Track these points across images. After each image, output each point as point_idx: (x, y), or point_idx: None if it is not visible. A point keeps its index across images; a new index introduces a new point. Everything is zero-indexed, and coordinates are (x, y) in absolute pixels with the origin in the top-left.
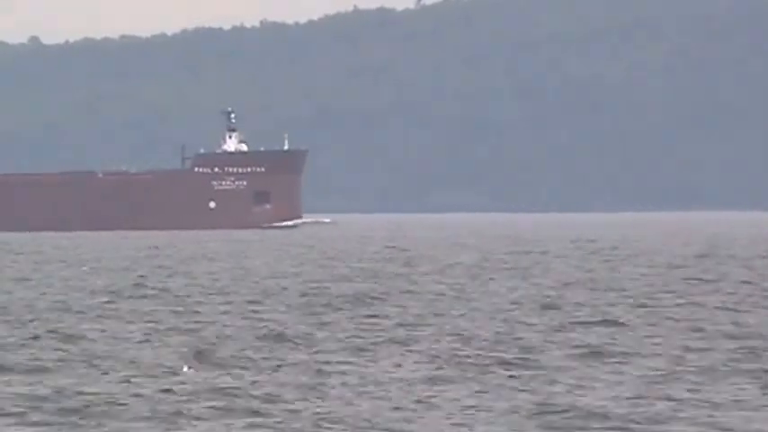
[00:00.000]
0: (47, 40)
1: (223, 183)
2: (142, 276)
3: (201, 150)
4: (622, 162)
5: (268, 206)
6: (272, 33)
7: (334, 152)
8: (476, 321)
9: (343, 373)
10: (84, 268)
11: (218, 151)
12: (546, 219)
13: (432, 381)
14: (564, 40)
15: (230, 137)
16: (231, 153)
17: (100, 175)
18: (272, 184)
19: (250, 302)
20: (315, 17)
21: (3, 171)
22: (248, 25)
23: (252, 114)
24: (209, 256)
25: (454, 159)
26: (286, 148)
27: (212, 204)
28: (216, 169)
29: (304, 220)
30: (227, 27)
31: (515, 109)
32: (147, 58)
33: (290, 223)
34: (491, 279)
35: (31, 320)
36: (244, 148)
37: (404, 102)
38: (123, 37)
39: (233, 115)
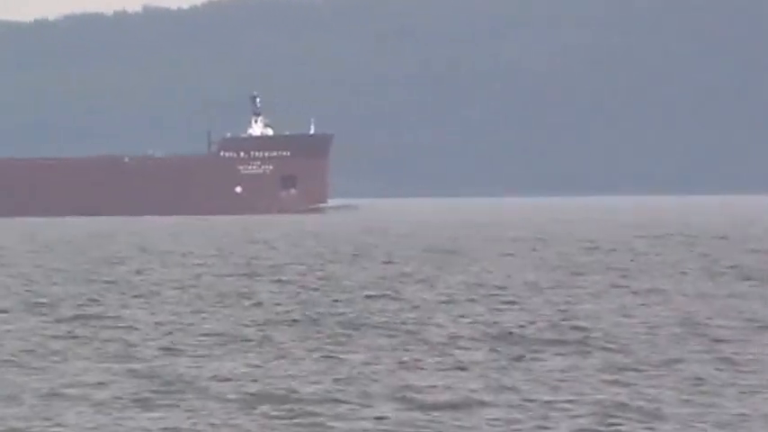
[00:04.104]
0: None
1: (249, 167)
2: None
3: (228, 135)
4: (546, 147)
5: (294, 191)
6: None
7: None
8: None
9: None
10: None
11: (244, 135)
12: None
13: None
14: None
15: (256, 121)
16: (257, 137)
17: (126, 160)
18: (298, 169)
19: None
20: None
21: None
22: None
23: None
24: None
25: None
26: (312, 132)
27: (238, 189)
28: (242, 154)
29: (330, 204)
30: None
31: (428, 95)
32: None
33: (316, 207)
34: None
35: None
36: (269, 132)
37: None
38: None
39: (258, 99)
